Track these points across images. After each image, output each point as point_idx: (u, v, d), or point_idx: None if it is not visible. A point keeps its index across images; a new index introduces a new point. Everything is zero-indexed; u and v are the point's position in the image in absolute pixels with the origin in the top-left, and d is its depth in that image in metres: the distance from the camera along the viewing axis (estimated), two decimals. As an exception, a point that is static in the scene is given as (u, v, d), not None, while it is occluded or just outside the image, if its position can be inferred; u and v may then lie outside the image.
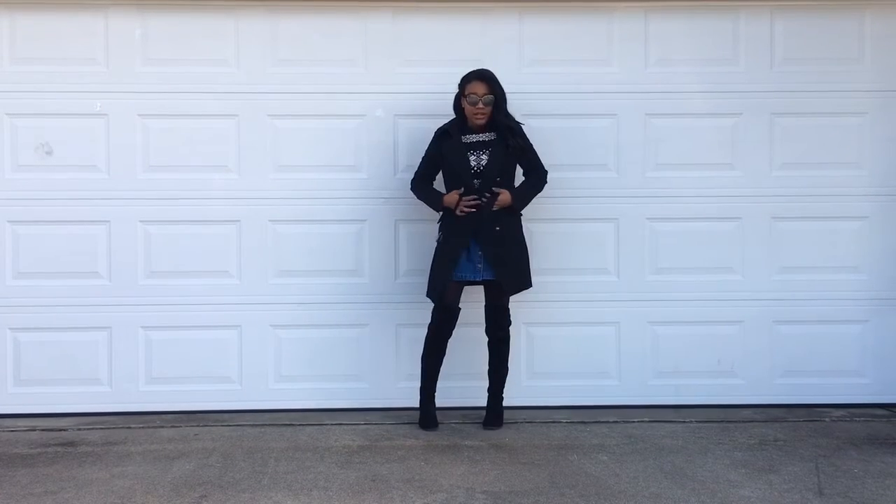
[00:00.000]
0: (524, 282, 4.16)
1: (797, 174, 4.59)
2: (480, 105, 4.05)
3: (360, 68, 4.51)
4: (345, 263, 4.52)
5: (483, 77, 4.08)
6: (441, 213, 4.16)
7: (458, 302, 4.11)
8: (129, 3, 4.43)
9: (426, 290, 4.12)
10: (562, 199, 4.51)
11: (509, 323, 4.18)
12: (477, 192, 4.05)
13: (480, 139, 4.11)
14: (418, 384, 4.26)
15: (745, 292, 4.59)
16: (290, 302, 4.49)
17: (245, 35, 4.48)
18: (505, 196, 4.04)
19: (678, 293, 4.58)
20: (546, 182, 4.23)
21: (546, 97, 4.53)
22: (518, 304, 4.47)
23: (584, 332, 4.57)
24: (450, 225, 4.09)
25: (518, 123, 4.16)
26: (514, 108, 4.48)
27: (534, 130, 4.52)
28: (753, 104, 4.57)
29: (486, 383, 4.27)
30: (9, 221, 4.42)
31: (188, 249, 4.47)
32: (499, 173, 4.07)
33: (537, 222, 4.50)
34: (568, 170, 4.53)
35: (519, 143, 4.10)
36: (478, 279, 4.09)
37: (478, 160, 4.07)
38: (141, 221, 4.46)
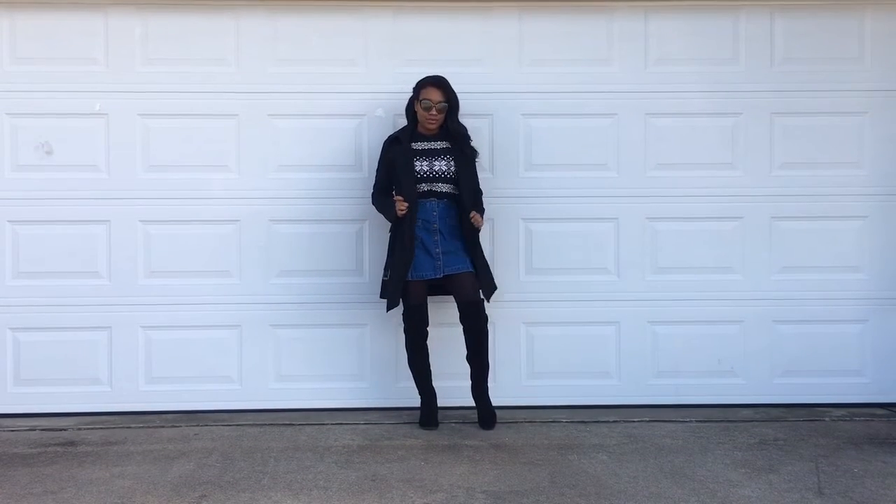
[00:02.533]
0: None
1: (797, 174, 4.58)
2: (434, 111, 4.09)
3: (360, 68, 4.51)
4: (345, 263, 4.52)
5: (438, 83, 4.13)
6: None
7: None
8: (128, 2, 4.43)
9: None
10: (562, 198, 4.52)
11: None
12: (423, 195, 4.07)
13: (431, 147, 4.14)
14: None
15: (746, 292, 4.59)
16: (291, 301, 4.49)
17: (245, 34, 4.48)
18: (477, 219, 4.09)
19: (678, 293, 4.57)
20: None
21: (546, 97, 4.52)
22: (518, 304, 4.48)
23: (584, 332, 4.57)
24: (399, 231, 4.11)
25: (466, 131, 4.19)
26: (514, 107, 4.50)
27: (533, 130, 4.54)
28: (754, 104, 4.57)
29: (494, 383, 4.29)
30: (9, 221, 4.42)
31: (188, 249, 4.46)
32: (464, 178, 4.10)
33: (537, 222, 4.51)
34: (567, 169, 4.53)
35: (473, 151, 4.17)
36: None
37: (430, 166, 4.08)
38: (141, 221, 4.46)
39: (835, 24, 4.58)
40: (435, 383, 4.25)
